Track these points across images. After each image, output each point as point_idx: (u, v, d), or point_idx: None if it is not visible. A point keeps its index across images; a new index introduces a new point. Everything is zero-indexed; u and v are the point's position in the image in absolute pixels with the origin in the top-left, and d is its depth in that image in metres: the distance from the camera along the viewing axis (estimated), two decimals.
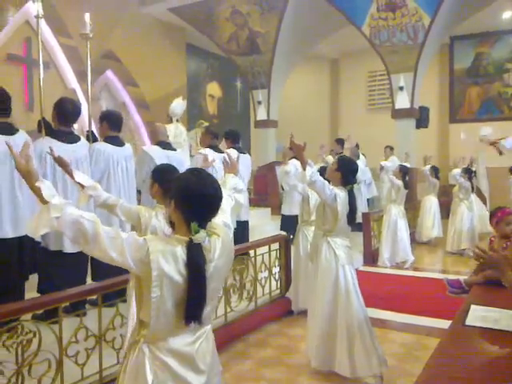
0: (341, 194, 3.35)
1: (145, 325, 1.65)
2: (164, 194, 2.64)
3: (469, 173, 8.02)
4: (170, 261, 1.58)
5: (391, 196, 7.04)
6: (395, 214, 7.02)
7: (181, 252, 1.60)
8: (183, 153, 7.30)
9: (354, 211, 3.43)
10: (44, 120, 4.35)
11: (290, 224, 7.44)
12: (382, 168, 9.82)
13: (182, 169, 4.92)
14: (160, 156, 4.77)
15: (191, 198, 1.66)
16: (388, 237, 6.97)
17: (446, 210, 8.75)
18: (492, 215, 3.33)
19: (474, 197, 8.31)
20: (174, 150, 5.09)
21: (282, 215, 7.68)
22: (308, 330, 3.55)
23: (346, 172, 3.43)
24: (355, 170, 3.53)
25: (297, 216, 7.51)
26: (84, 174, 3.97)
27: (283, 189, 7.66)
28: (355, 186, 3.56)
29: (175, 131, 7.16)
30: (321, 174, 4.00)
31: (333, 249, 3.39)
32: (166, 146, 4.92)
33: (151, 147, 4.93)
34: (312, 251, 3.61)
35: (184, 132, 7.59)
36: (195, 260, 1.61)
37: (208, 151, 5.52)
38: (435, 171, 8.67)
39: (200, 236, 1.62)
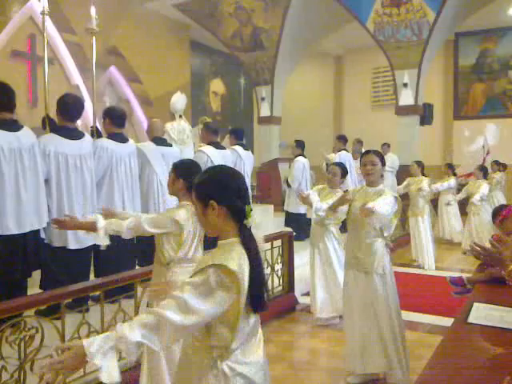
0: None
1: (219, 346, 1.58)
2: (188, 190, 2.55)
3: (483, 170, 8.01)
4: (245, 267, 1.56)
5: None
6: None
7: (242, 251, 1.59)
8: (187, 149, 7.31)
9: None
10: (48, 117, 4.35)
11: (294, 221, 7.48)
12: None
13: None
14: (154, 152, 4.78)
15: (236, 186, 1.64)
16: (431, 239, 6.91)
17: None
18: (496, 213, 3.26)
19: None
20: (170, 145, 5.08)
21: (287, 212, 7.68)
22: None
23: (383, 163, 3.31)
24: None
25: (301, 214, 7.54)
26: (88, 170, 4.01)
27: (289, 185, 7.67)
28: None
29: (178, 128, 7.16)
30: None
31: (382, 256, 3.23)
32: (160, 141, 4.92)
33: (145, 143, 4.94)
34: (370, 259, 3.25)
35: (187, 128, 7.57)
36: (252, 244, 1.61)
37: (208, 148, 5.48)
38: (451, 168, 8.69)
39: (252, 218, 1.63)
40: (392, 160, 10.14)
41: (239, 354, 1.59)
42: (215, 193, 1.61)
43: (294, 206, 7.55)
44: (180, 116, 7.51)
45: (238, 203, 1.62)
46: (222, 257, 1.54)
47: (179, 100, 7.49)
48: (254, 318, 1.65)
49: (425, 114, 10.48)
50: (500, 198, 8.38)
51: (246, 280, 1.53)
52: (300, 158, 7.64)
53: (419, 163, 7.11)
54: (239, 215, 1.62)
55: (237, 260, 1.53)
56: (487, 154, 10.83)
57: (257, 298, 1.59)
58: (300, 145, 7.76)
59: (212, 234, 1.70)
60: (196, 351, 1.60)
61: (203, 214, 1.64)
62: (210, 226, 1.66)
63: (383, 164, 3.26)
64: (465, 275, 3.12)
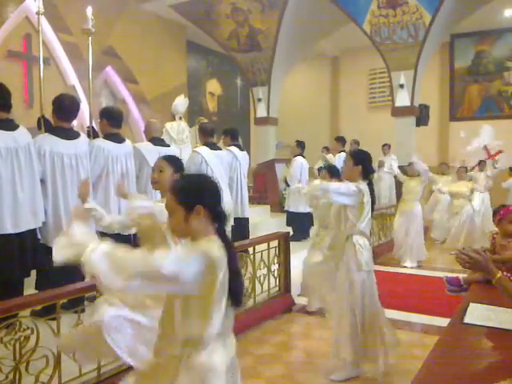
0: (365, 188, 3.21)
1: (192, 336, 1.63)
2: None
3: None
4: (224, 259, 1.62)
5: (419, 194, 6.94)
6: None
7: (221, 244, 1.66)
8: (186, 150, 7.34)
9: (374, 203, 3.30)
10: (44, 117, 4.34)
11: (295, 221, 7.52)
12: (379, 166, 9.87)
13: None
14: (151, 152, 4.76)
15: (216, 191, 1.73)
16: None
17: None
18: (495, 213, 3.32)
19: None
20: (168, 146, 5.07)
21: (287, 212, 7.72)
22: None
23: (365, 164, 3.29)
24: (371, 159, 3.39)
25: (301, 213, 7.59)
26: (84, 170, 4.00)
27: (288, 185, 7.71)
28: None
29: (178, 128, 7.20)
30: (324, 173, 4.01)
31: (355, 253, 3.22)
32: (158, 142, 4.91)
33: (143, 143, 4.93)
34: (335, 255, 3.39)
35: (186, 129, 7.63)
36: (228, 239, 1.70)
37: (203, 149, 5.47)
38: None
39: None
40: (391, 161, 10.13)
41: (211, 349, 1.62)
42: (201, 197, 1.68)
43: (294, 205, 7.58)
44: (180, 118, 7.57)
45: (217, 210, 1.70)
46: (205, 246, 1.60)
47: (181, 103, 7.58)
48: (230, 314, 1.69)
49: (421, 115, 10.50)
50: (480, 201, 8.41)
51: (223, 271, 1.59)
52: (298, 158, 7.69)
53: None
54: (220, 218, 1.70)
55: (217, 250, 1.60)
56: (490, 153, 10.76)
57: (235, 289, 1.66)
58: (300, 145, 7.83)
59: (181, 236, 1.76)
60: (166, 346, 1.65)
61: (184, 219, 1.67)
62: (185, 231, 1.69)
63: (357, 163, 3.25)
64: (461, 275, 3.14)
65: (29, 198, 3.61)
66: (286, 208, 7.75)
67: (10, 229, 3.49)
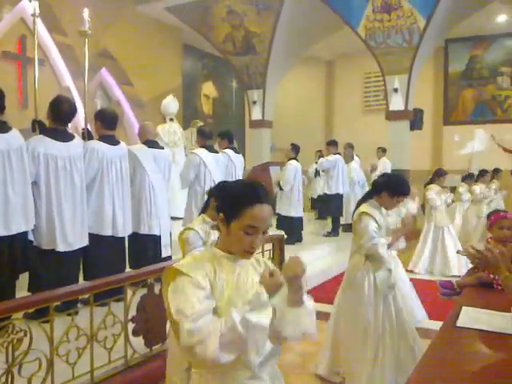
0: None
1: None
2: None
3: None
4: None
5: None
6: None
7: None
8: (179, 152, 7.30)
9: None
10: (37, 121, 4.31)
11: (285, 224, 7.49)
12: (372, 170, 9.90)
13: (169, 166, 4.93)
14: (146, 154, 4.76)
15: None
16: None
17: None
18: (487, 218, 3.36)
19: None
20: (162, 148, 5.07)
21: (278, 215, 7.67)
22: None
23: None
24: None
25: (292, 217, 7.57)
26: (78, 172, 3.99)
27: (281, 188, 7.68)
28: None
29: (169, 129, 7.17)
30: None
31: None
32: (152, 144, 4.91)
33: (137, 146, 4.93)
34: None
35: (179, 131, 7.57)
36: None
37: (201, 151, 5.49)
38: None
39: None
40: (384, 165, 10.16)
41: None
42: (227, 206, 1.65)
43: (286, 208, 7.56)
44: (171, 119, 7.51)
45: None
46: None
47: (170, 103, 7.50)
48: None
49: (415, 119, 10.53)
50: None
51: None
52: (293, 162, 7.68)
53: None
54: None
55: None
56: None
57: None
58: (295, 148, 7.82)
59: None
60: None
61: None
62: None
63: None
64: (454, 279, 3.15)
65: (20, 201, 3.58)
66: (277, 211, 7.72)
67: (1, 231, 3.47)
